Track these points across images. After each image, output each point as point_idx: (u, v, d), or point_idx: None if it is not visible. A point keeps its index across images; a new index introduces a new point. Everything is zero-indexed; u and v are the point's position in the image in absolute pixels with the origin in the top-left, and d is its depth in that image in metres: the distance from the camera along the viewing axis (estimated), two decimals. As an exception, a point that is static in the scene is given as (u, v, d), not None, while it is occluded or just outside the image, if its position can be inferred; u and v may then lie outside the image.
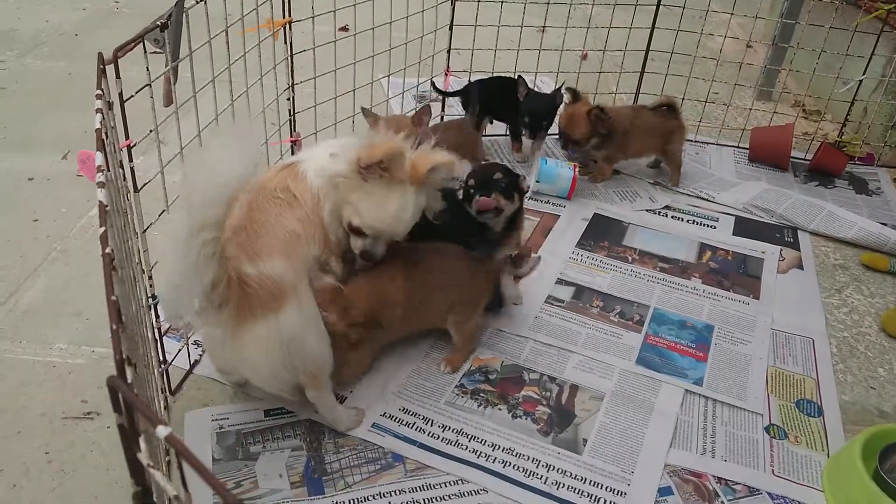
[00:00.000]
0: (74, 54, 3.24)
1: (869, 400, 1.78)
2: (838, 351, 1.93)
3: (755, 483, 1.54)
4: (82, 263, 2.03)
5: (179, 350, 1.67)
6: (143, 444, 0.69)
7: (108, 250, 0.79)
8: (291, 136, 2.10)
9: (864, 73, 2.66)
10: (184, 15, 1.39)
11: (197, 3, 1.48)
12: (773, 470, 1.57)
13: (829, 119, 3.11)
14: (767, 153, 2.80)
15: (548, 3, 2.64)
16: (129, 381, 0.71)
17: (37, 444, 1.52)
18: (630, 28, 2.67)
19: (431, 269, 1.70)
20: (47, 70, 3.13)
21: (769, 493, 1.52)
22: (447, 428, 1.60)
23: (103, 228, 0.83)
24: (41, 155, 2.49)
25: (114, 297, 0.74)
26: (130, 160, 1.31)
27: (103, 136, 1.03)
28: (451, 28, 2.54)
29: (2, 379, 1.66)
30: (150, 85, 1.34)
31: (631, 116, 2.51)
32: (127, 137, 1.29)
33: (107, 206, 0.87)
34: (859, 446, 1.50)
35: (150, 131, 1.36)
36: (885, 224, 2.43)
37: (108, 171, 1.00)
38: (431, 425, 1.60)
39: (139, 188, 1.38)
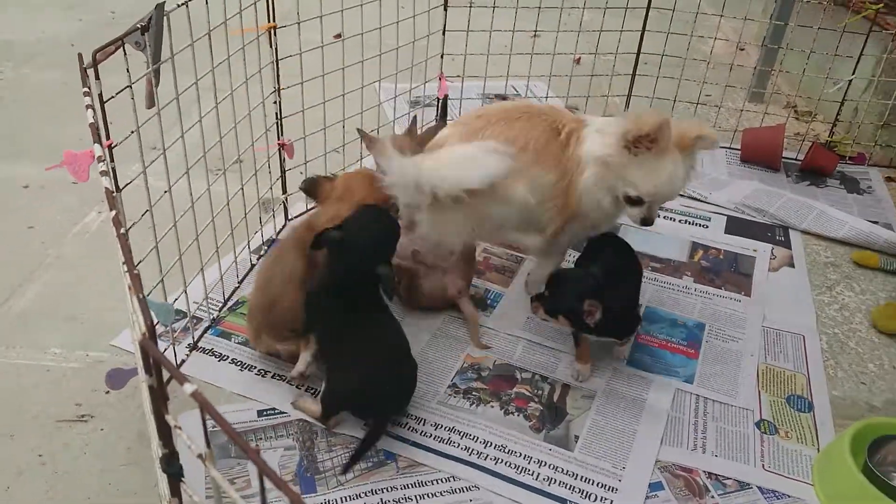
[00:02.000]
0: (70, 64, 3.19)
1: (859, 395, 1.79)
2: (829, 347, 1.94)
3: (746, 478, 1.55)
4: (77, 269, 2.04)
5: (165, 349, 1.66)
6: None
7: (122, 231, 0.82)
8: (279, 140, 2.11)
9: (853, 73, 2.67)
10: (164, 18, 1.41)
11: (178, 6, 1.50)
12: (763, 465, 1.58)
13: (821, 119, 3.12)
14: (759, 153, 2.82)
15: (539, 8, 2.66)
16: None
17: (30, 447, 1.53)
18: (621, 31, 2.69)
19: None
20: (43, 80, 3.14)
21: (759, 488, 1.53)
22: (439, 426, 1.61)
23: (114, 212, 0.86)
24: (36, 163, 2.50)
25: (136, 272, 0.77)
26: (112, 160, 1.33)
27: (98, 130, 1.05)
28: (443, 33, 2.55)
29: (-4, 383, 1.67)
30: (131, 87, 1.36)
31: None
32: (108, 138, 1.31)
33: (113, 191, 0.90)
34: (848, 440, 1.51)
35: (132, 132, 1.37)
36: (875, 222, 2.45)
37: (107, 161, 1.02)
38: (423, 424, 1.61)
39: (121, 188, 1.39)
